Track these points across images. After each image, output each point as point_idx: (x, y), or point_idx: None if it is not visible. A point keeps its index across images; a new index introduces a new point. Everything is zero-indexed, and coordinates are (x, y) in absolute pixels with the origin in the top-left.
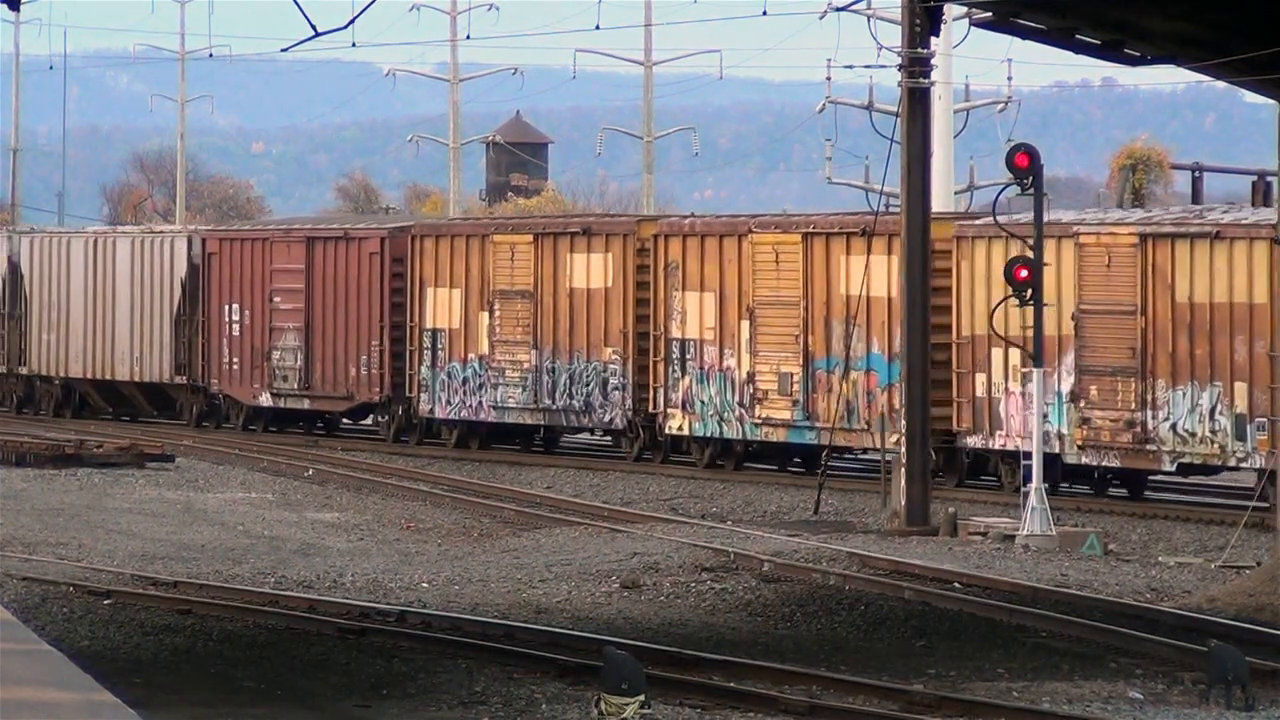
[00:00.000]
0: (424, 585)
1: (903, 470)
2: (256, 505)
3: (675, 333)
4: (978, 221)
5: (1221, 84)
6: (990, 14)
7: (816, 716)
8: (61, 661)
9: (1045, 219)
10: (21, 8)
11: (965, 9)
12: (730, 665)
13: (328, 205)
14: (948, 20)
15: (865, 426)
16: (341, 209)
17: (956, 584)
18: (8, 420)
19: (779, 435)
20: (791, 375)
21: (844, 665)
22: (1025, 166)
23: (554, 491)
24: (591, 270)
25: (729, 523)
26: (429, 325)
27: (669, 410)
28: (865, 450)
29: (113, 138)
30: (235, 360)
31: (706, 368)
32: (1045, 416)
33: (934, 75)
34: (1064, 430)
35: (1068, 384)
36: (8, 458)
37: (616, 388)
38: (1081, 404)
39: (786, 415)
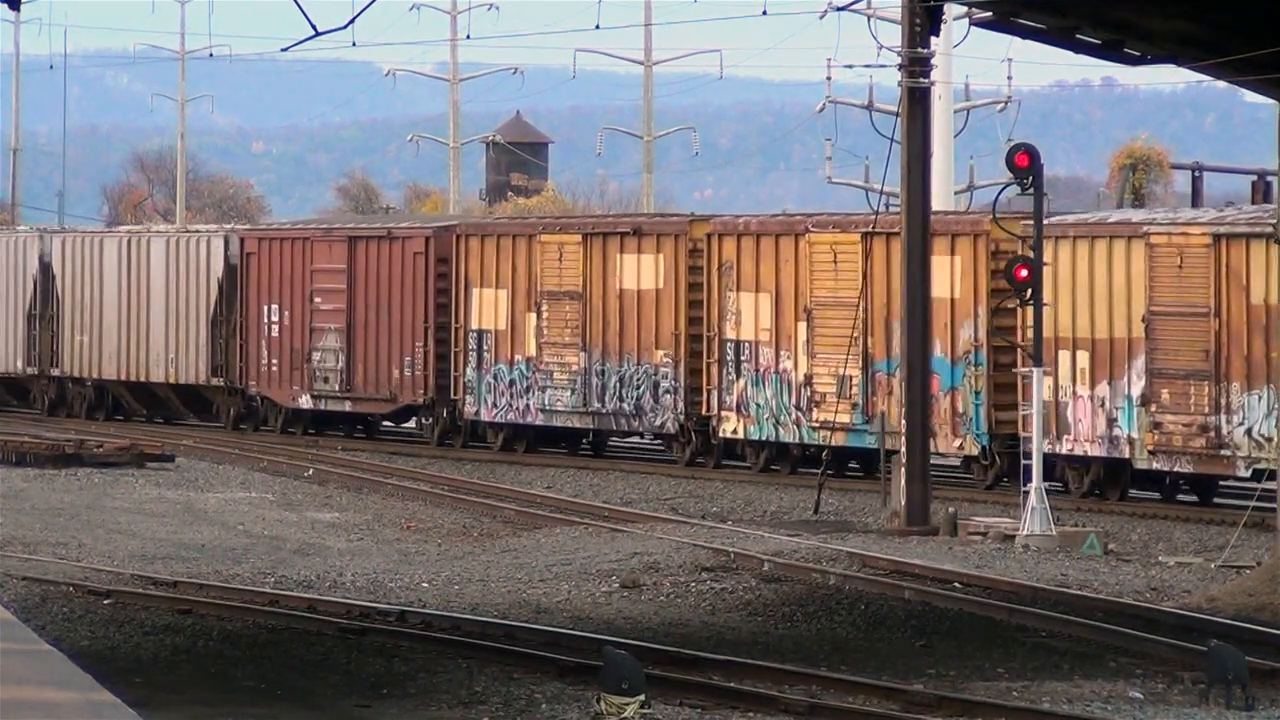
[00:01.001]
0: (424, 585)
1: (903, 470)
2: (256, 505)
3: (729, 334)
4: (1044, 221)
5: (1221, 84)
6: (990, 14)
7: (816, 716)
8: (61, 661)
9: (1114, 219)
10: (21, 8)
11: (965, 9)
12: (730, 665)
13: (328, 205)
14: (948, 20)
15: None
16: (342, 209)
17: (956, 584)
18: (9, 420)
19: (837, 439)
20: (851, 378)
21: (844, 665)
22: (1025, 166)
23: (554, 491)
24: (642, 271)
25: (729, 523)
26: (474, 326)
27: (723, 413)
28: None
29: (113, 138)
30: (274, 362)
31: (762, 370)
32: (1114, 421)
33: (934, 75)
34: (1134, 435)
35: (1138, 388)
36: (8, 458)
37: (668, 391)
38: (1152, 408)
39: (846, 418)
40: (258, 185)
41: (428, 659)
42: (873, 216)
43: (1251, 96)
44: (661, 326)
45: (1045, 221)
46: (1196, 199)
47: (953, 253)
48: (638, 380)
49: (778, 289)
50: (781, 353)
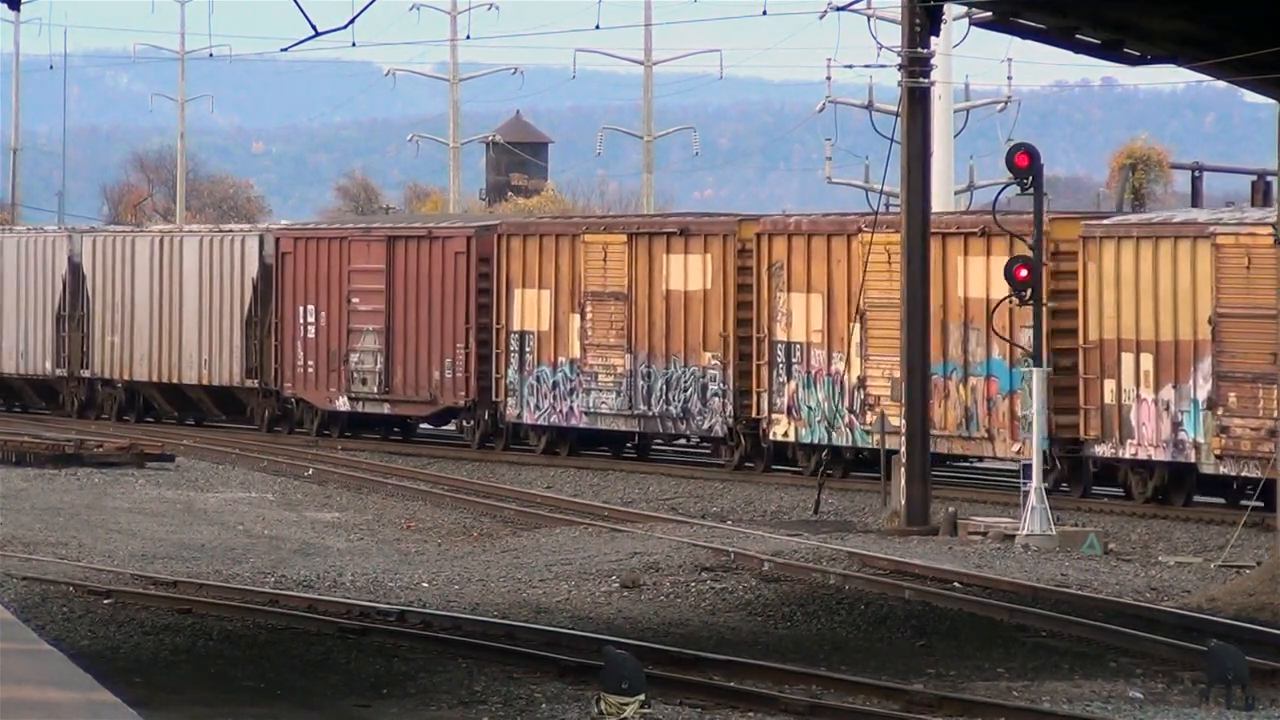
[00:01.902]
0: (424, 585)
1: (902, 470)
2: (256, 505)
3: (780, 335)
4: (1106, 221)
5: (1221, 84)
6: (990, 14)
7: (816, 716)
8: (61, 661)
9: (1179, 219)
10: (21, 7)
11: (965, 9)
12: (730, 665)
13: (328, 205)
14: (948, 20)
15: (985, 434)
16: (342, 209)
17: (956, 584)
18: (10, 420)
19: (892, 442)
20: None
21: (844, 665)
22: (1025, 166)
23: (554, 491)
24: (689, 271)
25: (729, 523)
26: (516, 327)
27: (773, 416)
28: (982, 459)
29: (113, 137)
30: (310, 363)
31: (813, 372)
32: (1178, 425)
33: (934, 75)
34: (1200, 439)
35: (1204, 391)
36: (8, 457)
37: (716, 393)
38: (1219, 412)
39: (900, 421)
40: (258, 185)
41: (428, 659)
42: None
43: (1251, 96)
44: (709, 328)
45: (1106, 222)
46: (1196, 199)
47: (1011, 254)
48: (685, 383)
49: (830, 290)
50: (834, 354)
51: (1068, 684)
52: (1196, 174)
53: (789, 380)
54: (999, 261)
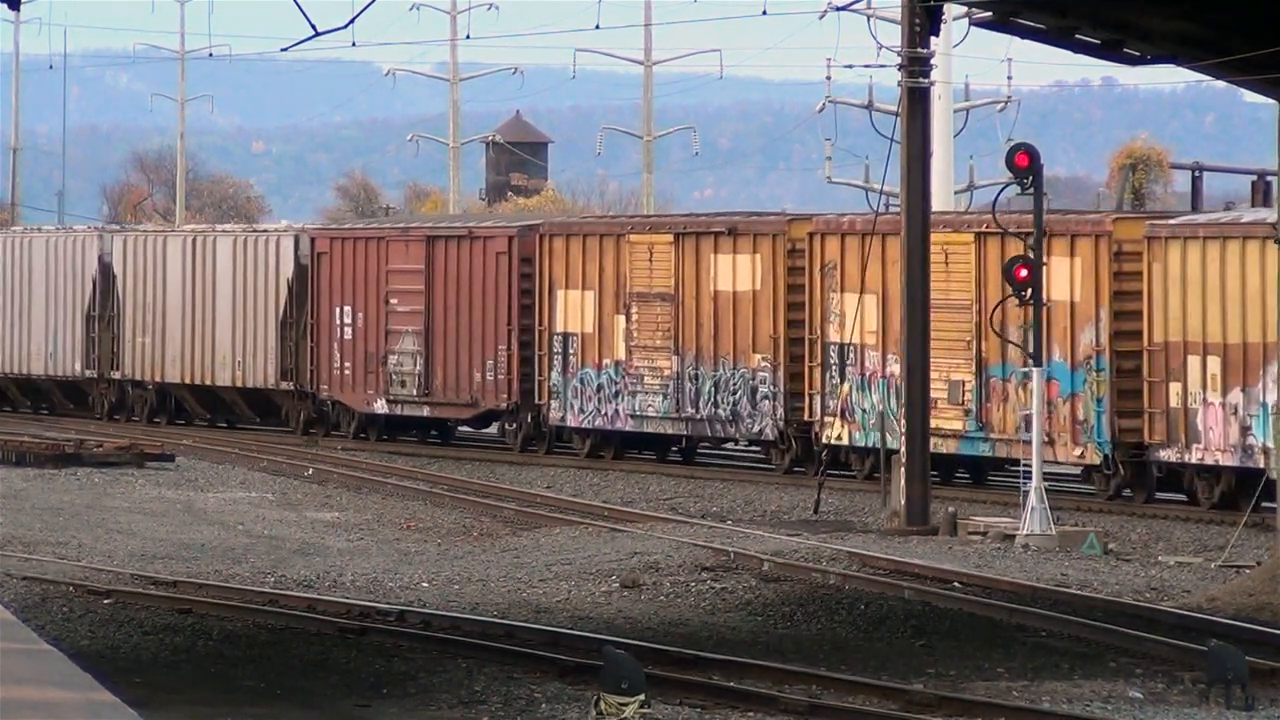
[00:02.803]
0: (424, 585)
1: (902, 470)
2: (256, 505)
3: (833, 337)
4: (1172, 221)
5: (1221, 84)
6: (990, 14)
7: (816, 716)
8: (61, 661)
9: (1248, 219)
10: (21, 7)
11: (965, 9)
12: (730, 665)
13: (328, 205)
14: (948, 20)
15: (1045, 438)
16: (342, 209)
17: (956, 584)
18: (13, 420)
19: (949, 446)
20: (963, 383)
21: (844, 665)
22: (1025, 166)
23: (554, 491)
24: (738, 271)
25: (729, 522)
26: (560, 329)
27: (826, 419)
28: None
29: (113, 137)
30: (347, 365)
31: (868, 374)
32: (1247, 429)
33: (934, 75)
34: (1270, 444)
35: (1274, 395)
36: (8, 457)
37: (766, 396)
38: None
39: (958, 425)
40: (258, 185)
41: (428, 659)
42: (984, 217)
43: (1251, 96)
44: (759, 329)
45: (1173, 221)
46: (1196, 199)
47: (1072, 254)
48: (734, 385)
49: (885, 290)
50: (889, 356)
51: (1068, 684)
52: (1196, 174)
53: (842, 382)
54: (1060, 262)
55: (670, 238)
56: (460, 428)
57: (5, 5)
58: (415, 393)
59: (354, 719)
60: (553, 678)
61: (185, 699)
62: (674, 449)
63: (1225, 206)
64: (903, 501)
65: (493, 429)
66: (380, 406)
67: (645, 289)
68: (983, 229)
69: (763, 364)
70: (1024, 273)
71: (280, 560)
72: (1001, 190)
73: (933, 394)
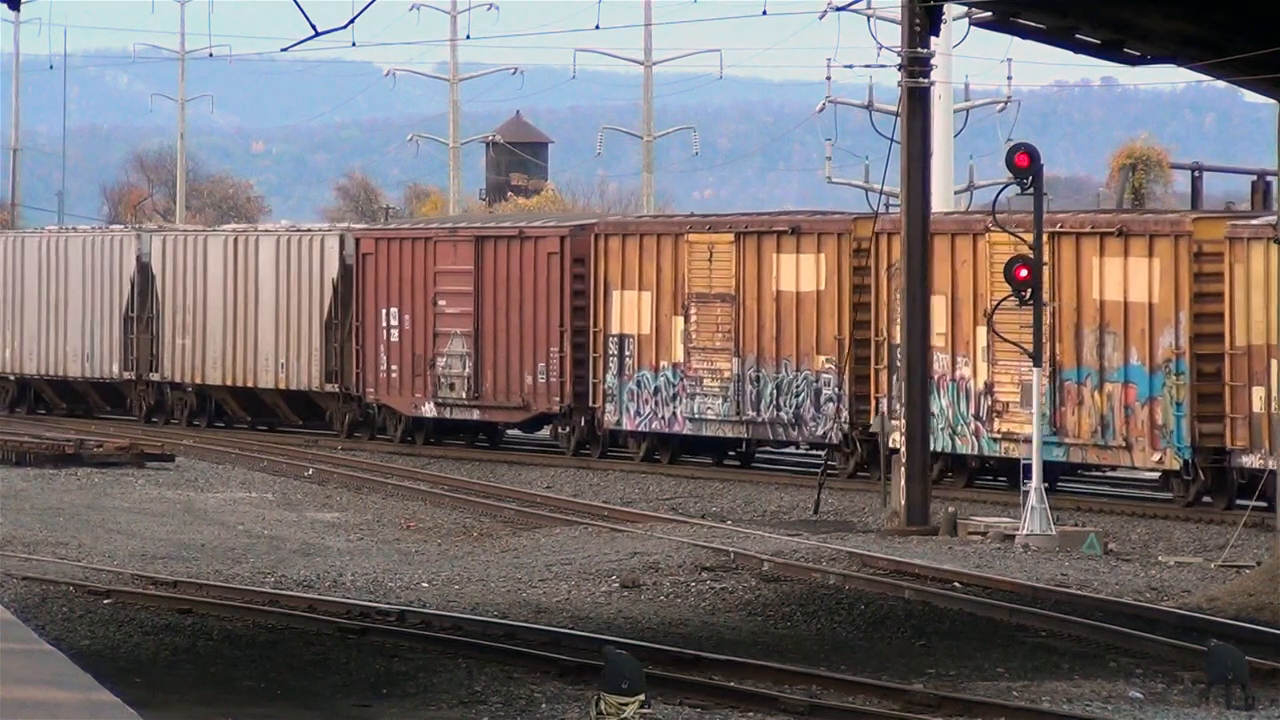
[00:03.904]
0: (424, 585)
1: (903, 470)
2: (256, 505)
3: (900, 339)
4: (1254, 222)
5: (1221, 84)
6: (990, 14)
7: (816, 716)
8: (61, 661)
9: None
10: (21, 7)
11: (965, 9)
12: (730, 665)
13: (328, 205)
14: (948, 20)
15: (1122, 443)
16: (341, 209)
17: (956, 584)
18: (14, 420)
19: (1021, 451)
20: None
21: (844, 665)
22: (1025, 166)
23: (554, 491)
24: (801, 271)
25: (729, 523)
26: (615, 331)
27: (892, 423)
28: (1114, 468)
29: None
30: (394, 368)
31: (937, 377)
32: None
33: (934, 75)
34: None
35: None
36: (8, 457)
37: (830, 399)
38: None
39: (1030, 430)
40: (257, 185)
41: (428, 659)
42: (1059, 217)
43: (1251, 96)
44: (823, 330)
45: (1255, 222)
46: (1196, 199)
47: (1150, 255)
48: (797, 387)
49: (954, 291)
50: (958, 359)
51: (1068, 684)
52: (1196, 174)
53: None
54: (1138, 263)
55: (731, 237)
56: (509, 431)
57: (5, 5)
58: (465, 396)
59: (354, 719)
60: (553, 678)
61: (185, 699)
62: (730, 454)
63: (1225, 206)
64: (903, 501)
65: (544, 432)
66: (428, 410)
67: (705, 289)
68: (1057, 229)
69: (827, 366)
70: (1024, 273)
71: (280, 560)
72: (1001, 190)
73: (1004, 398)
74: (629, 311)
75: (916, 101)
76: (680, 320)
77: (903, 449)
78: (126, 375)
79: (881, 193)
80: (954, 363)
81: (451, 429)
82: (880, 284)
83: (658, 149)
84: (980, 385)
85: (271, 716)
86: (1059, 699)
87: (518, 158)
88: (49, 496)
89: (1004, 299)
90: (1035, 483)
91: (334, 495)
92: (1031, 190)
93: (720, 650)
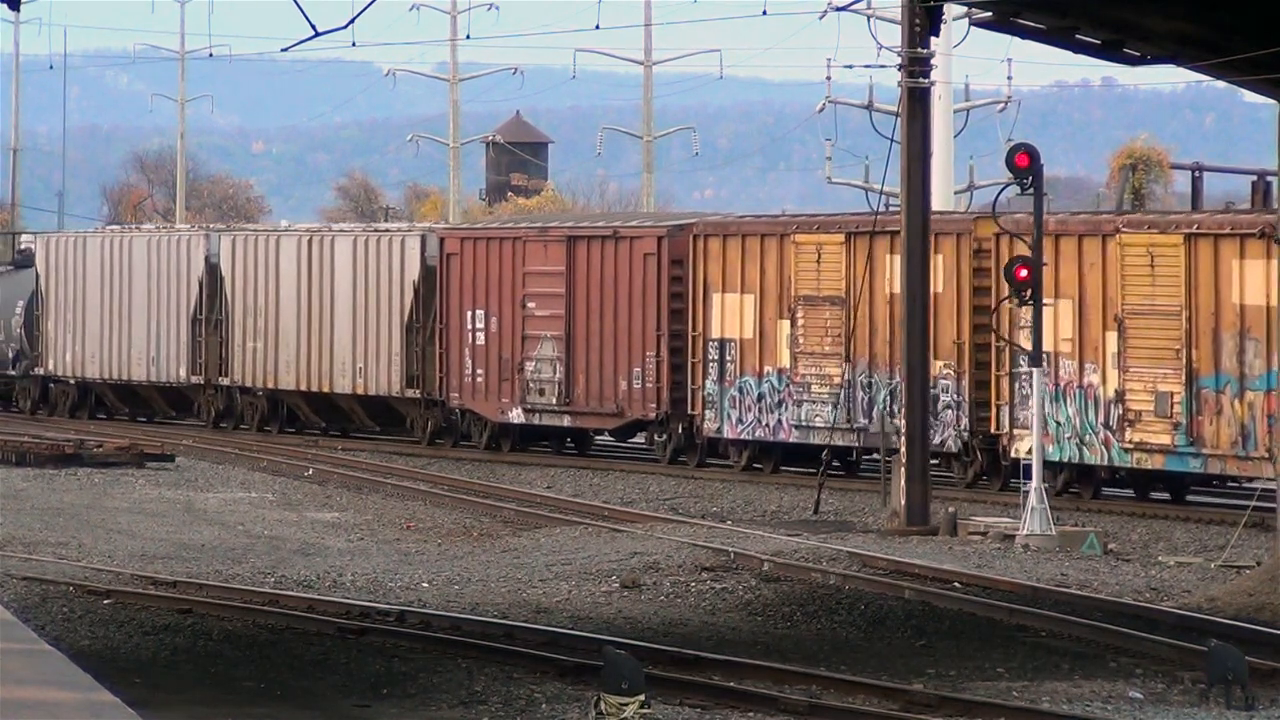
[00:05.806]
0: (424, 585)
1: (903, 470)
2: (256, 505)
3: (1024, 344)
4: None
5: (1221, 84)
6: (990, 14)
7: (816, 716)
8: (61, 661)
9: None
10: (21, 7)
11: (965, 9)
12: (730, 665)
13: (328, 205)
14: (948, 20)
15: (1264, 454)
16: (341, 209)
17: (956, 584)
18: (15, 420)
19: (1155, 462)
20: (1171, 395)
21: (844, 665)
22: (1025, 166)
23: (554, 491)
24: None
25: (729, 523)
26: (715, 335)
27: (1015, 431)
28: (1253, 479)
29: (113, 137)
30: (479, 372)
31: (1063, 384)
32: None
33: (934, 75)
34: None
35: None
36: (8, 458)
37: (949, 406)
38: None
39: (1165, 440)
40: (257, 185)
41: (428, 659)
42: (1195, 218)
43: (1251, 96)
44: (941, 334)
45: None
46: (1196, 199)
47: (1268, 257)
48: None
49: (1081, 295)
50: (1087, 365)
51: (1068, 684)
52: (1196, 174)
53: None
54: (1255, 265)
55: (841, 238)
56: (599, 438)
57: (5, 5)
58: (555, 401)
59: (354, 719)
60: (553, 678)
61: (185, 699)
62: (836, 463)
63: (1225, 206)
64: (903, 501)
65: (639, 439)
66: (516, 416)
67: (812, 292)
68: (1193, 230)
69: (944, 371)
70: (1024, 273)
71: (280, 560)
72: (1001, 190)
73: (1137, 406)
74: (730, 315)
75: (916, 102)
76: (786, 324)
77: (903, 449)
78: (194, 379)
79: (881, 193)
80: (1081, 369)
81: (539, 435)
82: (1001, 287)
83: (658, 149)
84: (1110, 393)
85: (271, 716)
86: (1059, 699)
87: (518, 158)
88: (49, 496)
89: (1004, 298)
90: (1035, 483)
91: (334, 495)
92: (1031, 190)
93: (720, 650)
